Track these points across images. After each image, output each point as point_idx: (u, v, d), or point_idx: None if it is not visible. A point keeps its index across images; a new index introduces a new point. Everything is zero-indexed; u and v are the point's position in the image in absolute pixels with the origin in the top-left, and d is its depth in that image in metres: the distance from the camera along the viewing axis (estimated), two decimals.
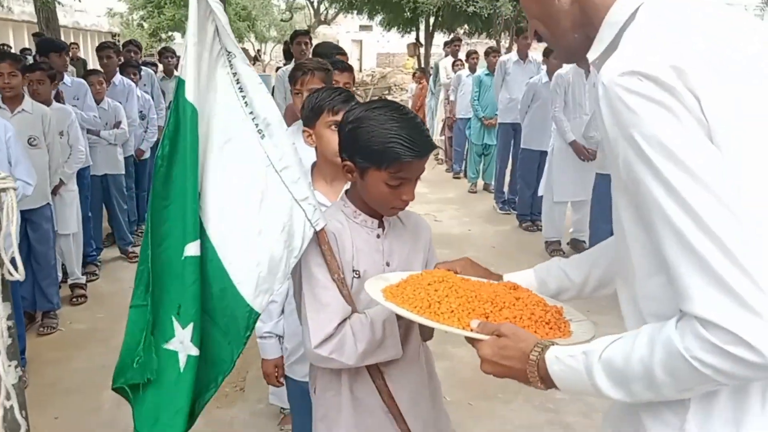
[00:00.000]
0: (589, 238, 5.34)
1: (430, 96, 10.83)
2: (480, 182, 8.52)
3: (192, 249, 1.44)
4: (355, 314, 1.56)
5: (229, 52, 1.49)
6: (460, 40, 10.12)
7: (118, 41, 27.83)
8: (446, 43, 10.55)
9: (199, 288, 1.45)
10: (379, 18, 20.95)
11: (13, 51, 11.14)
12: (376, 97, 19.54)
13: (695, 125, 0.86)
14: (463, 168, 9.27)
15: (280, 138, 1.52)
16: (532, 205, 6.48)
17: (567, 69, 5.61)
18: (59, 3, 12.75)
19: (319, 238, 1.54)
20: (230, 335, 1.50)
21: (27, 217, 4.02)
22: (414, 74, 13.75)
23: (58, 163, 4.22)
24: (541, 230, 6.11)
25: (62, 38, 14.33)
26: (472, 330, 1.19)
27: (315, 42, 5.28)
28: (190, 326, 1.44)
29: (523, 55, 6.89)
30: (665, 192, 0.87)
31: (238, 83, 1.50)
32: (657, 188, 0.88)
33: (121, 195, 5.59)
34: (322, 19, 24.94)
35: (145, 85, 6.28)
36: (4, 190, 1.32)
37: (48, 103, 4.34)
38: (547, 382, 1.07)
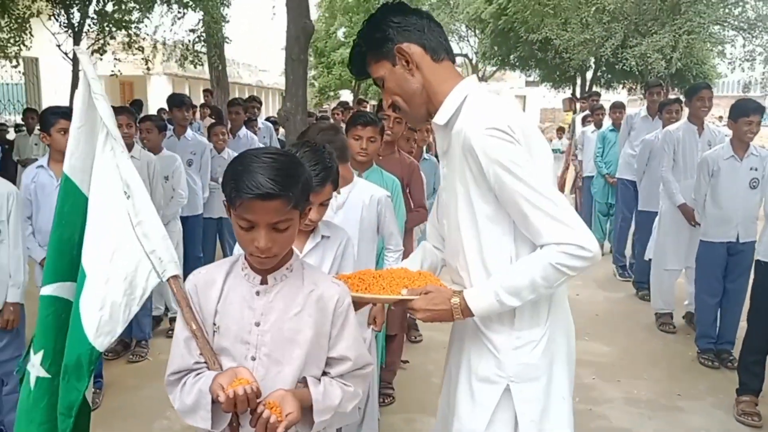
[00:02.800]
0: (695, 310, 4.75)
1: None
2: (606, 244, 7.96)
3: (46, 290, 1.75)
4: (198, 372, 1.55)
5: (108, 131, 1.74)
6: (598, 94, 9.67)
7: None
8: (581, 98, 10.16)
9: (48, 323, 1.70)
10: (536, 74, 20.86)
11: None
12: None
13: (524, 149, 1.63)
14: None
15: (139, 197, 1.72)
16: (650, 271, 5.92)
17: (677, 125, 5.16)
18: (237, 64, 14.29)
19: (172, 287, 1.59)
20: (70, 373, 1.67)
21: None
22: (558, 129, 13.44)
23: (159, 204, 4.67)
24: None
25: (236, 95, 15.92)
26: (404, 295, 1.74)
27: None
28: (40, 353, 1.70)
29: (652, 111, 6.41)
30: (519, 182, 1.60)
31: (114, 157, 1.74)
32: (514, 182, 1.60)
33: (233, 237, 6.04)
34: (480, 76, 25.33)
35: (264, 137, 6.80)
36: None
37: (157, 150, 4.85)
38: (465, 313, 1.68)
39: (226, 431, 1.53)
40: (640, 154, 5.80)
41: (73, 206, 1.76)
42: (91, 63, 1.77)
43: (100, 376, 3.91)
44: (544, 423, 1.71)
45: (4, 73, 12.32)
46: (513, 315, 1.69)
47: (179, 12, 11.76)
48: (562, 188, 11.87)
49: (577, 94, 19.36)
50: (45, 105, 14.41)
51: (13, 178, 7.24)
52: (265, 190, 1.41)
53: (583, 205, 8.90)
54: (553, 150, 8.63)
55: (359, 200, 2.73)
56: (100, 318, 1.64)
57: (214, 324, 1.57)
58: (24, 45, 10.32)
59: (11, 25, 9.86)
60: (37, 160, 4.68)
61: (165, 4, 11.20)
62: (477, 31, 21.03)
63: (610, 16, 12.27)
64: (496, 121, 1.61)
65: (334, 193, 2.22)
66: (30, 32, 10.26)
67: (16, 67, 11.35)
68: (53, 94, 13.35)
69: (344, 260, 2.24)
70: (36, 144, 8.62)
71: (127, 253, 1.67)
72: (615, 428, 3.62)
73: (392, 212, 2.88)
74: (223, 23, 12.32)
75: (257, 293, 1.56)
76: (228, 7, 12.64)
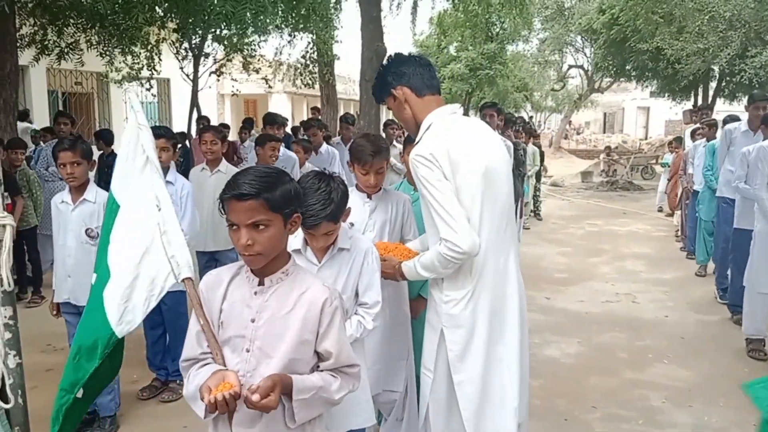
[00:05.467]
0: None
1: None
2: (711, 265, 7.51)
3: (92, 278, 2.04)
4: (204, 363, 1.77)
5: (148, 157, 2.06)
6: (709, 107, 9.14)
7: None
8: (692, 110, 9.63)
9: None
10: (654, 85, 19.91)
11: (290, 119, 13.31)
12: (641, 167, 18.42)
13: (440, 173, 2.28)
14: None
15: (166, 210, 2.00)
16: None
17: None
18: (353, 81, 14.85)
19: (186, 286, 1.82)
20: (82, 353, 1.95)
21: (217, 258, 4.90)
22: (670, 143, 12.75)
23: None
24: None
25: (350, 111, 16.56)
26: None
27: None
28: None
29: (753, 126, 6.02)
30: (430, 196, 2.28)
31: (151, 176, 2.05)
32: (428, 194, 2.29)
33: None
34: (595, 87, 24.50)
35: None
36: (3, 225, 1.87)
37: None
38: (401, 276, 2.53)
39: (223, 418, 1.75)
40: (738, 168, 5.47)
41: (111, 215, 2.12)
42: (137, 98, 2.13)
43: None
44: (462, 362, 2.38)
45: (139, 93, 13.63)
46: (443, 281, 2.40)
47: (291, 35, 12.48)
48: (673, 204, 11.32)
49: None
50: (175, 122, 15.78)
51: None
52: (240, 191, 1.64)
53: (688, 221, 8.46)
54: (663, 164, 8.41)
55: (387, 204, 3.02)
56: (125, 309, 1.93)
57: (220, 320, 1.79)
58: (155, 70, 11.40)
59: (142, 52, 10.94)
60: None
61: (278, 29, 11.92)
62: (591, 42, 20.42)
63: (727, 23, 11.47)
64: (423, 149, 2.32)
65: (348, 223, 2.49)
66: (159, 57, 11.31)
67: (149, 89, 12.56)
68: (181, 111, 14.58)
69: (363, 269, 2.41)
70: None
71: (154, 256, 1.95)
72: None
73: (412, 214, 3.07)
74: (332, 43, 12.89)
75: (255, 293, 1.77)
76: (337, 29, 13.23)
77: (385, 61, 2.60)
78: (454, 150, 2.30)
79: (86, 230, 3.49)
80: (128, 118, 2.14)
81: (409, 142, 3.34)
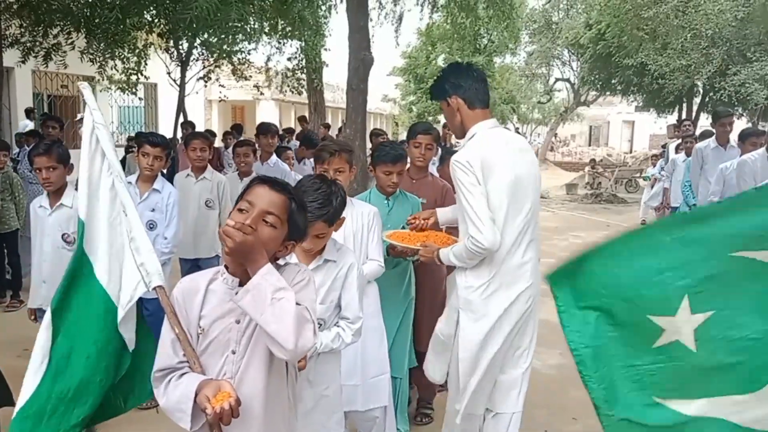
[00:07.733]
0: None
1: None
2: None
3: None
4: (182, 373, 1.73)
5: (106, 156, 2.01)
6: (690, 121, 9.27)
7: (396, 123, 31.05)
8: (676, 125, 9.75)
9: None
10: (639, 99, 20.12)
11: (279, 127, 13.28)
12: (625, 180, 18.58)
13: (474, 177, 2.64)
14: None
15: (132, 216, 1.96)
16: None
17: (754, 155, 4.91)
18: (341, 89, 14.79)
19: (158, 295, 1.80)
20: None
21: (200, 265, 4.84)
22: (652, 157, 12.91)
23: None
24: None
25: (338, 119, 16.53)
26: (419, 247, 2.97)
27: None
28: None
29: (722, 141, 6.16)
30: (463, 198, 2.65)
31: (111, 178, 2.00)
32: (461, 197, 2.67)
33: None
34: (581, 101, 24.72)
35: None
36: None
37: (249, 173, 5.21)
38: (438, 261, 2.85)
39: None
40: (714, 184, 5.57)
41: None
42: (92, 96, 2.07)
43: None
44: (469, 342, 2.76)
45: (126, 97, 13.55)
46: (467, 269, 2.74)
47: (279, 42, 12.48)
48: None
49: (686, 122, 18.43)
50: (161, 126, 15.69)
51: None
52: (272, 182, 1.72)
53: None
54: (644, 178, 8.55)
55: (356, 213, 3.02)
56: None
57: (200, 326, 1.77)
58: (142, 74, 11.34)
59: (130, 56, 10.87)
60: None
61: (266, 36, 11.91)
62: (578, 56, 20.65)
63: (709, 41, 11.66)
64: (460, 156, 2.67)
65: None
66: (145, 62, 11.25)
67: (135, 93, 12.49)
68: (168, 116, 14.52)
69: (347, 283, 2.41)
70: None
71: (127, 266, 1.92)
72: None
73: (377, 226, 3.08)
74: (320, 48, 12.89)
75: (236, 294, 1.73)
76: (326, 36, 13.25)
77: (445, 66, 2.91)
78: (488, 160, 2.65)
79: (63, 235, 3.46)
80: (84, 119, 2.06)
81: (384, 161, 3.37)
